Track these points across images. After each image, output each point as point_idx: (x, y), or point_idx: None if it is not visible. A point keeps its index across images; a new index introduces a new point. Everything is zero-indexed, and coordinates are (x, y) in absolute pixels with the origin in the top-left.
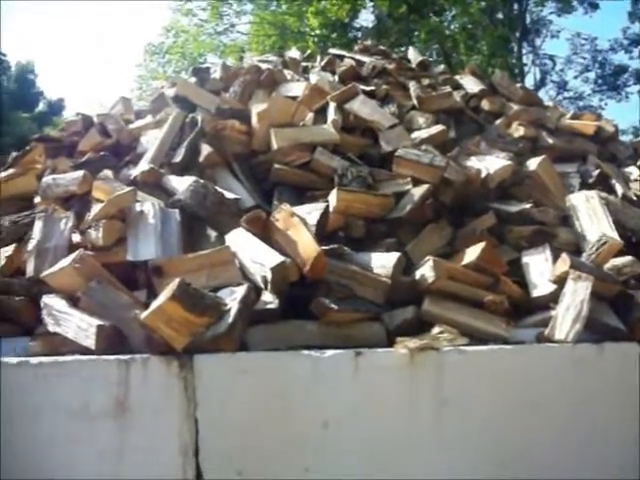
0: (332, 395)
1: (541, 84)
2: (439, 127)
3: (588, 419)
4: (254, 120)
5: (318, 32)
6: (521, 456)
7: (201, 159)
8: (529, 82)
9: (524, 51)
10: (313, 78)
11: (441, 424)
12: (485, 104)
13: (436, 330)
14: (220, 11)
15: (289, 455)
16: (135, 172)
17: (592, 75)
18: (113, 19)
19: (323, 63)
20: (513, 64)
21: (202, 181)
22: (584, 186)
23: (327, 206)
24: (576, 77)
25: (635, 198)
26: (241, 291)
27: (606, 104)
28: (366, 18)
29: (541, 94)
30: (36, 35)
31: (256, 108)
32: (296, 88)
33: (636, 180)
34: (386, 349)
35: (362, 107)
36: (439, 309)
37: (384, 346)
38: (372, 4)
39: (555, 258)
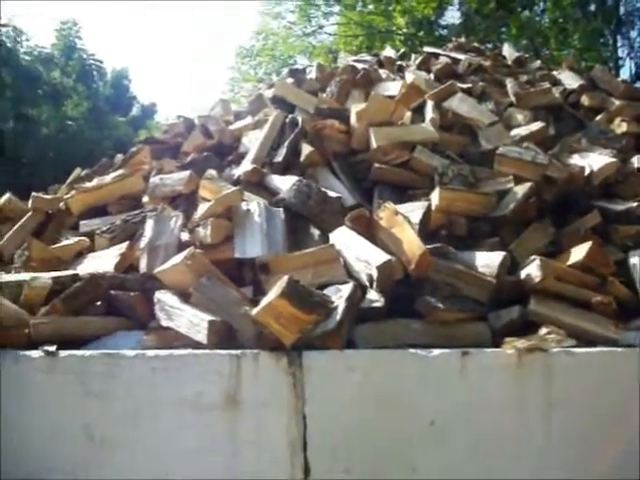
0: (439, 394)
1: (637, 78)
2: (539, 124)
3: None
4: (353, 119)
5: (405, 31)
6: (629, 459)
7: (302, 158)
8: (625, 75)
9: (619, 44)
10: (409, 77)
11: (549, 426)
12: (585, 100)
13: (544, 331)
14: (308, 13)
15: (396, 454)
16: (238, 172)
17: None
18: (203, 23)
19: (418, 61)
20: (607, 57)
21: (305, 180)
22: None
23: (429, 204)
24: None
25: None
26: (347, 289)
27: None
28: (452, 15)
29: (639, 87)
30: (127, 39)
31: (355, 107)
32: (392, 87)
33: None
34: (493, 349)
35: (460, 105)
36: (545, 309)
37: (489, 346)
38: (459, 1)
39: None
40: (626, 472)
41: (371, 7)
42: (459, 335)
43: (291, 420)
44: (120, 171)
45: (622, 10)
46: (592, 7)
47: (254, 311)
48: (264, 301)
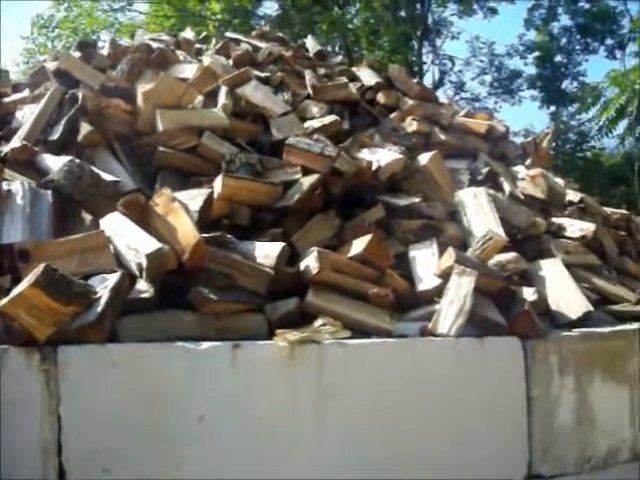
0: (208, 389)
1: (439, 83)
2: (332, 117)
3: (470, 412)
4: (139, 100)
5: (220, 17)
6: (404, 450)
7: (80, 138)
8: (428, 81)
9: (425, 50)
10: (206, 60)
11: (322, 418)
12: (381, 97)
13: (318, 323)
14: None
15: (161, 451)
16: (6, 149)
17: (489, 78)
18: None
19: (218, 46)
20: (413, 62)
21: (77, 161)
22: (473, 183)
23: (211, 192)
24: (473, 79)
25: (522, 196)
26: (114, 279)
27: (500, 107)
28: (271, 6)
29: (439, 93)
30: None
31: (142, 87)
32: (188, 70)
33: (523, 179)
34: (265, 341)
35: (254, 92)
36: (323, 301)
37: (265, 339)
38: None
39: (442, 253)
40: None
41: None
42: (233, 327)
43: (44, 421)
44: None
45: (430, 19)
46: (402, 12)
47: (1, 302)
48: (14, 291)
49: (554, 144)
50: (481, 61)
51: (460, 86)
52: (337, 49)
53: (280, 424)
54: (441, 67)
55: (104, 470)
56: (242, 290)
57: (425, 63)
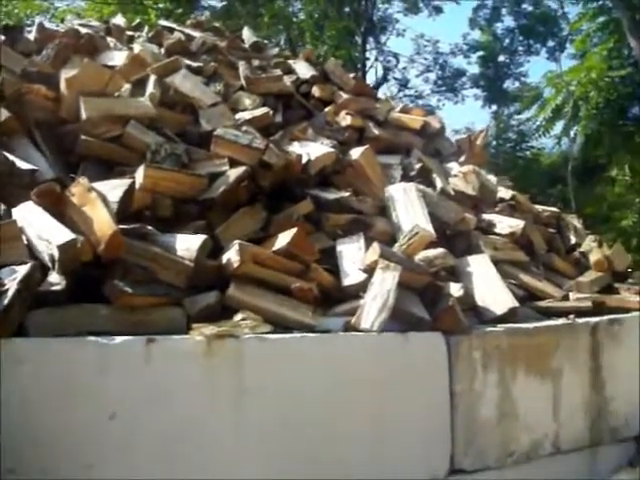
0: (121, 385)
1: (383, 80)
2: (263, 109)
3: (392, 408)
4: (63, 86)
5: (162, 5)
6: (325, 447)
7: None
8: (371, 77)
9: (369, 47)
10: (136, 48)
11: (240, 415)
12: (316, 91)
13: (238, 317)
14: None
15: (71, 451)
16: None
17: (432, 76)
18: None
19: (151, 35)
20: (356, 57)
21: None
22: (405, 178)
23: (133, 182)
24: (417, 76)
25: (453, 192)
26: (23, 270)
27: (444, 104)
28: None
29: (383, 90)
30: None
31: (65, 74)
32: (118, 57)
33: (455, 176)
34: (181, 336)
35: (184, 82)
36: (244, 295)
37: (184, 333)
38: None
39: (369, 247)
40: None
41: None
42: (150, 321)
43: None
44: None
45: (375, 16)
46: (347, 8)
47: None
48: None
49: (495, 143)
50: (425, 59)
51: (404, 83)
52: (282, 43)
53: (196, 422)
54: (385, 64)
55: (9, 470)
56: (161, 283)
57: (369, 59)
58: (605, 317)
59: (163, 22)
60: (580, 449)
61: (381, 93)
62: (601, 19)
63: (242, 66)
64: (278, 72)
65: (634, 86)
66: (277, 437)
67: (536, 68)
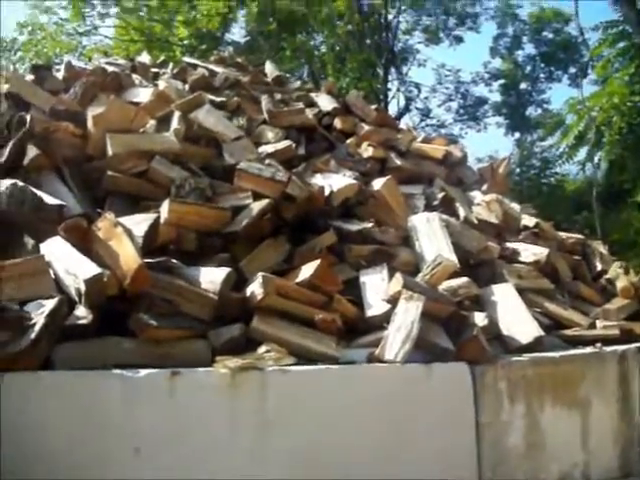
0: (145, 418)
1: (405, 110)
2: (286, 142)
3: (418, 439)
4: (90, 124)
5: (187, 42)
6: (349, 477)
7: (26, 161)
8: (394, 108)
9: (391, 77)
10: (161, 85)
11: (264, 446)
12: (338, 123)
13: (262, 349)
14: (82, 11)
15: None
16: None
17: (454, 105)
18: None
19: (175, 71)
20: (378, 89)
21: (20, 184)
22: (428, 208)
23: (158, 217)
24: (439, 106)
25: (476, 221)
26: (51, 304)
27: (466, 133)
28: (239, 32)
29: (405, 120)
30: None
31: (92, 111)
32: (143, 94)
33: (478, 204)
34: (206, 368)
35: (207, 117)
36: (268, 327)
37: (208, 366)
38: (245, 19)
39: (393, 278)
40: None
41: (153, 14)
42: (175, 354)
43: None
44: None
45: (397, 47)
46: (368, 40)
47: None
48: None
49: (518, 170)
50: (447, 88)
51: (426, 113)
52: (305, 76)
53: (220, 455)
54: (407, 94)
55: None
56: (185, 316)
57: (390, 90)
58: (633, 345)
59: (187, 59)
60: (610, 479)
61: (403, 123)
62: (621, 44)
63: (264, 100)
64: (300, 105)
65: None
66: (300, 470)
67: (558, 95)
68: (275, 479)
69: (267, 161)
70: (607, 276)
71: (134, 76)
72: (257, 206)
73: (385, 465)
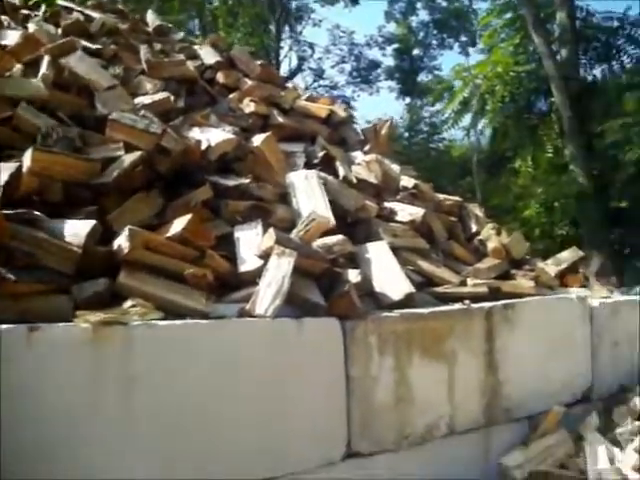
0: (3, 376)
1: (298, 70)
2: (164, 94)
3: (287, 393)
4: None
5: None
6: (218, 436)
7: None
8: (286, 66)
9: (284, 36)
10: (31, 28)
11: (129, 403)
12: (220, 77)
13: (128, 304)
14: None
15: None
16: None
17: (348, 67)
18: None
19: (48, 14)
20: (270, 46)
21: None
22: (309, 166)
23: (20, 166)
24: (333, 67)
25: (355, 181)
26: None
27: (359, 96)
28: None
29: (298, 80)
30: None
31: None
32: (11, 37)
33: (359, 164)
34: (66, 323)
35: (79, 64)
36: (135, 281)
37: (70, 321)
38: None
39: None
40: (213, 446)
41: None
42: (35, 310)
43: None
44: None
45: (292, 4)
46: None
47: None
48: None
49: (407, 134)
50: (341, 50)
51: (319, 73)
52: (197, 30)
53: (82, 412)
54: (300, 53)
55: None
56: (47, 270)
57: (283, 48)
58: (500, 302)
59: (62, 1)
60: (475, 430)
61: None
62: (508, 15)
63: (144, 50)
64: (181, 57)
65: (539, 81)
66: (166, 427)
67: (449, 62)
68: (139, 436)
69: (142, 112)
70: (480, 237)
71: (2, 17)
72: (129, 158)
73: (255, 418)
